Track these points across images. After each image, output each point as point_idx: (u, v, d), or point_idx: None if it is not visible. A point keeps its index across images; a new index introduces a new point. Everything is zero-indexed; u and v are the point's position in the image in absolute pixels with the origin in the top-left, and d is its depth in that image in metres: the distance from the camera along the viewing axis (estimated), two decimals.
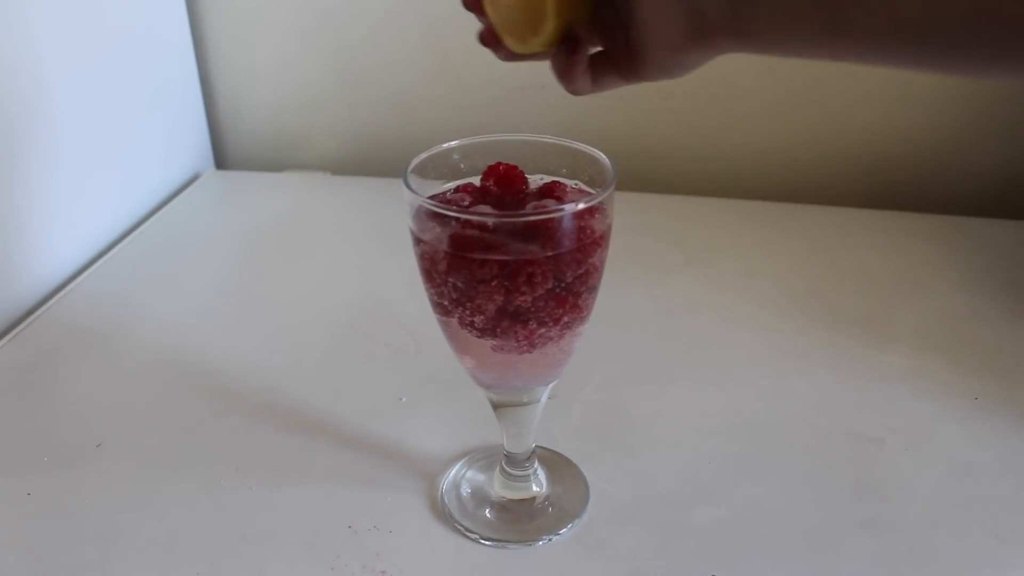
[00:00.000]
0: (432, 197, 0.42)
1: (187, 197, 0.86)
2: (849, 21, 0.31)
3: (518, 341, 0.40)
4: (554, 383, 0.45)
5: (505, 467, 0.48)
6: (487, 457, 0.51)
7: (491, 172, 0.42)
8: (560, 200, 0.41)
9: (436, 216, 0.39)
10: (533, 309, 0.39)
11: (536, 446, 0.49)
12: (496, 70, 0.87)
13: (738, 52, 0.36)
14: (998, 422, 0.54)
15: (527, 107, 0.86)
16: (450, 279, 0.39)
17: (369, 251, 0.76)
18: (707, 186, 0.87)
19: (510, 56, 0.41)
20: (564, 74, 0.40)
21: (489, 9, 0.39)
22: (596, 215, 0.39)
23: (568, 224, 0.38)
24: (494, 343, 0.40)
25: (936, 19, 0.29)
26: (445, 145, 0.44)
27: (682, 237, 0.76)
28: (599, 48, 0.41)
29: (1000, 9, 0.28)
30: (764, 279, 0.70)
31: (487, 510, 0.48)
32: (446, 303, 0.40)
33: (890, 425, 0.54)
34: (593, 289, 0.41)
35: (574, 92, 0.40)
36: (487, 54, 0.41)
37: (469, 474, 0.50)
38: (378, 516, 0.47)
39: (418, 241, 0.40)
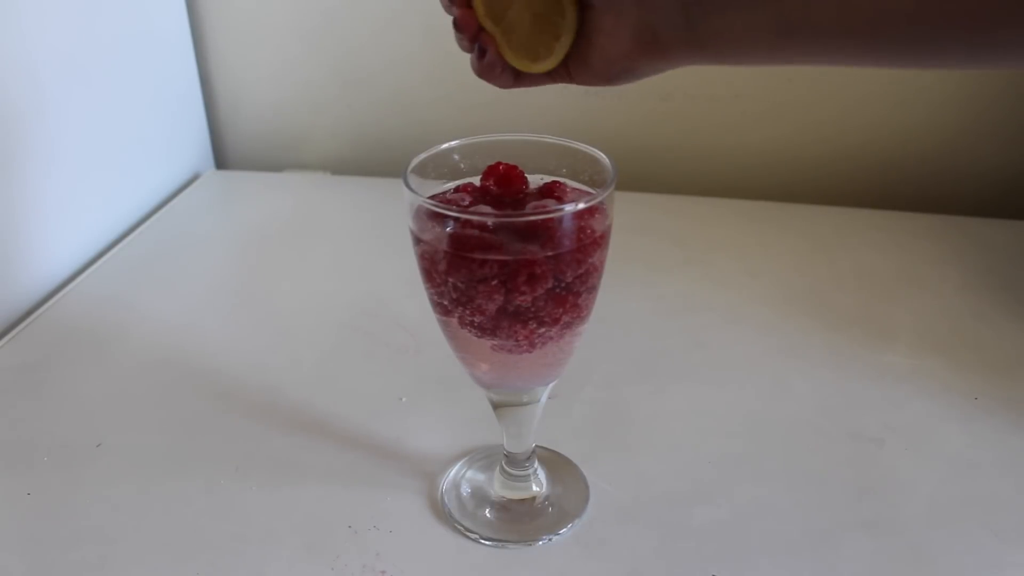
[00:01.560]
0: (432, 197, 0.42)
1: (187, 197, 0.86)
2: (801, 23, 0.32)
3: (518, 341, 0.40)
4: (554, 383, 0.45)
5: (505, 467, 0.48)
6: (487, 457, 0.51)
7: (491, 172, 0.42)
8: (560, 200, 0.41)
9: (436, 216, 0.39)
10: (533, 309, 0.39)
11: (536, 446, 0.49)
12: None
13: (690, 64, 0.36)
14: (998, 422, 0.54)
15: (527, 107, 0.86)
16: (450, 279, 0.39)
17: (369, 251, 0.76)
18: (707, 186, 0.87)
19: (509, 84, 0.41)
20: (483, 74, 0.40)
21: (491, 27, 0.39)
22: (596, 215, 0.39)
23: (568, 224, 0.38)
24: (494, 343, 0.40)
25: (884, 16, 0.30)
26: (445, 145, 0.44)
27: (682, 237, 0.76)
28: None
29: (942, 7, 0.29)
30: (764, 279, 0.70)
31: (487, 510, 0.48)
32: (446, 303, 0.40)
33: (890, 425, 0.54)
34: (593, 289, 0.41)
35: (498, 86, 0.41)
36: None
37: (469, 474, 0.50)
38: (378, 516, 0.47)
39: (418, 241, 0.40)
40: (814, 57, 0.33)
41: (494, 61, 0.40)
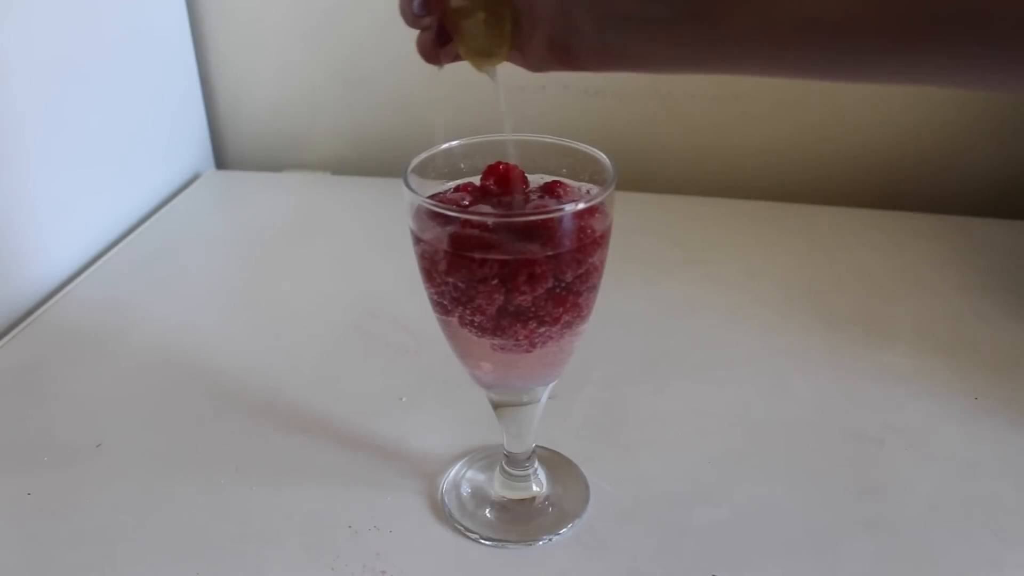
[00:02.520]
0: (432, 196, 0.42)
1: (187, 197, 0.86)
2: (723, 39, 0.31)
3: (518, 341, 0.40)
4: (554, 383, 0.45)
5: (505, 467, 0.48)
6: (487, 457, 0.51)
7: (491, 171, 0.42)
8: (561, 200, 0.41)
9: (436, 215, 0.39)
10: (533, 308, 0.39)
11: (536, 446, 0.49)
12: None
13: (606, 72, 0.36)
14: (998, 422, 0.54)
15: (527, 107, 0.86)
16: (450, 279, 0.39)
17: (369, 251, 0.76)
18: (707, 186, 0.87)
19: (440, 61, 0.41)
20: (429, 56, 0.41)
21: (456, 19, 0.39)
22: (596, 215, 0.39)
23: (568, 224, 0.38)
24: (494, 343, 0.40)
25: (810, 29, 0.29)
26: (445, 145, 0.44)
27: (682, 237, 0.76)
28: None
29: (867, 23, 0.28)
30: (764, 279, 0.70)
31: (487, 510, 0.48)
32: (446, 303, 0.40)
33: (890, 425, 0.54)
34: (593, 288, 0.41)
35: (433, 64, 0.42)
36: None
37: (469, 474, 0.50)
38: (378, 516, 0.47)
39: (418, 241, 0.40)
40: (741, 70, 0.32)
41: (451, 51, 0.40)
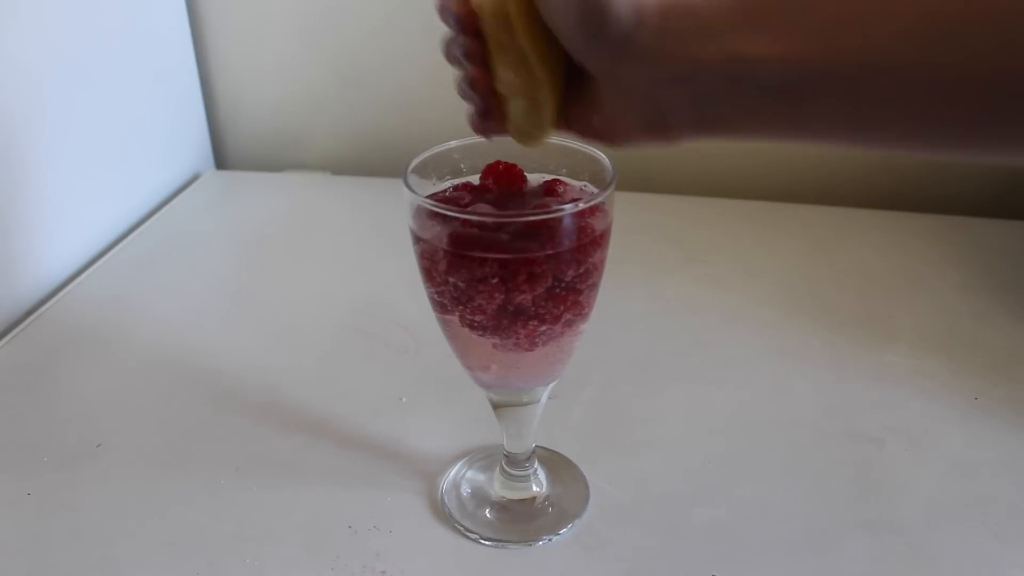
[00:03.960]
0: (431, 195, 0.42)
1: (187, 197, 0.86)
2: (808, 119, 0.32)
3: (518, 340, 0.40)
4: (554, 383, 0.45)
5: (505, 467, 0.48)
6: (487, 457, 0.51)
7: (490, 170, 0.42)
8: (561, 197, 0.41)
9: (436, 215, 0.39)
10: (533, 307, 0.39)
11: (536, 446, 0.49)
12: None
13: (696, 142, 0.36)
14: (998, 422, 0.54)
15: None
16: (450, 278, 0.39)
17: (369, 251, 0.76)
18: (707, 186, 0.87)
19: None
20: (477, 129, 0.40)
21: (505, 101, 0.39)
22: (596, 214, 0.39)
23: (568, 223, 0.38)
24: (495, 342, 0.40)
25: (893, 118, 0.30)
26: (445, 145, 0.44)
27: (682, 237, 0.76)
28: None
29: (947, 109, 0.28)
30: (764, 279, 0.70)
31: (487, 510, 0.48)
32: (446, 302, 0.40)
33: (890, 425, 0.54)
34: (593, 287, 0.41)
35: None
36: None
37: (469, 474, 0.50)
38: (378, 516, 0.47)
39: (418, 240, 0.40)
40: (822, 143, 0.33)
41: (498, 128, 0.39)
